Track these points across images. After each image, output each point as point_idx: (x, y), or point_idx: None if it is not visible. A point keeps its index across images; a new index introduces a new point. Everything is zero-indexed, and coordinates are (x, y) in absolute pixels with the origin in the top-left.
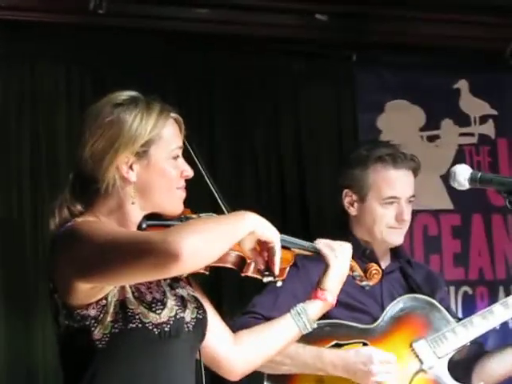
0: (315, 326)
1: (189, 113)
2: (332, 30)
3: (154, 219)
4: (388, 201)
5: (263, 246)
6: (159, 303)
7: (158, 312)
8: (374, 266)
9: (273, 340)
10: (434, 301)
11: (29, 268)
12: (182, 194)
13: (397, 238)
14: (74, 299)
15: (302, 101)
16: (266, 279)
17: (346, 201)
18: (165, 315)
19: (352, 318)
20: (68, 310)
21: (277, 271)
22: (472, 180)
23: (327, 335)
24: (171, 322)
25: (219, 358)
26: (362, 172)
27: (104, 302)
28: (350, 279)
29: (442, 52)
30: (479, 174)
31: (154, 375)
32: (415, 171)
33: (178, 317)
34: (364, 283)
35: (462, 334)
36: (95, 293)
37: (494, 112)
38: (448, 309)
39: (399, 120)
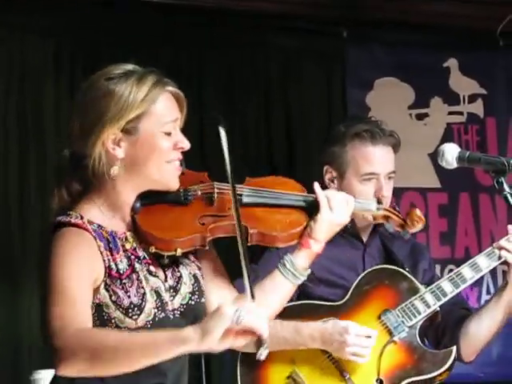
0: (307, 272)
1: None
2: (323, 6)
3: (150, 197)
4: (366, 177)
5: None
6: (136, 308)
7: (134, 318)
8: (417, 211)
9: (270, 298)
10: (402, 270)
11: (15, 241)
12: (176, 167)
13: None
14: None
15: (293, 76)
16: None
17: (327, 177)
18: (142, 320)
19: (334, 295)
20: None
21: (264, 335)
22: (460, 159)
23: (296, 317)
24: (149, 326)
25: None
26: (341, 149)
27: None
28: (330, 254)
29: (433, 30)
30: (467, 153)
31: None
32: (395, 147)
33: (156, 319)
34: (402, 232)
35: (430, 300)
36: None
37: (484, 91)
38: (432, 278)
39: (388, 97)
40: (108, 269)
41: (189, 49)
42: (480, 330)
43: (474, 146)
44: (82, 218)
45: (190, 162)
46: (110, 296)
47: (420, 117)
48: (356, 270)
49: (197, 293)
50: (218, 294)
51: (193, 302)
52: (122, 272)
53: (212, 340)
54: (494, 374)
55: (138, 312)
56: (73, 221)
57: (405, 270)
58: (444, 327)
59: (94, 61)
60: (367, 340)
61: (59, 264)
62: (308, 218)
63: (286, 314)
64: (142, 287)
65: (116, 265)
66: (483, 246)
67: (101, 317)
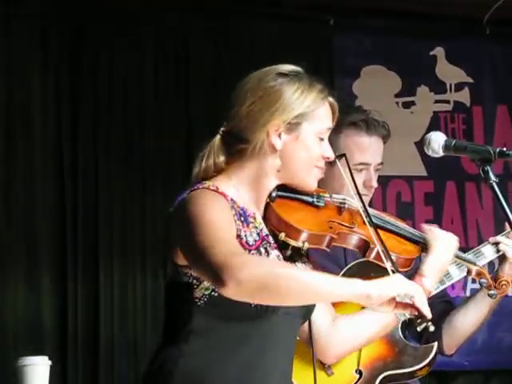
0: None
1: (166, 74)
2: None
3: (287, 191)
4: (358, 167)
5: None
6: None
7: None
8: (505, 277)
9: (370, 328)
10: None
11: (1, 228)
12: (319, 174)
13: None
14: (179, 260)
15: (279, 63)
16: (419, 327)
17: None
18: None
19: None
20: (174, 265)
21: (427, 314)
22: (446, 147)
23: None
24: None
25: (319, 336)
26: (335, 136)
27: None
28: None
29: (420, 18)
30: (453, 142)
31: (241, 354)
32: (385, 139)
33: None
34: (492, 292)
35: None
36: None
37: (470, 80)
38: (417, 270)
39: (375, 86)
40: (238, 237)
41: (174, 34)
42: (466, 323)
43: (461, 135)
44: (217, 188)
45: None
46: None
47: (407, 105)
48: (337, 260)
49: None
50: (321, 306)
51: None
52: (251, 244)
53: (378, 300)
54: (478, 361)
55: None
56: (210, 187)
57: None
58: None
59: (79, 47)
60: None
61: (207, 209)
62: (420, 252)
63: None
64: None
65: (246, 236)
66: (469, 235)
67: None
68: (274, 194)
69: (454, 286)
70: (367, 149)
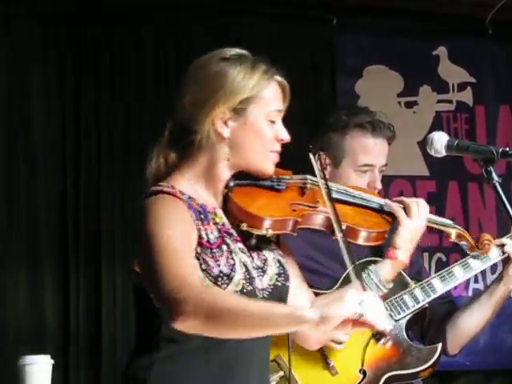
0: (390, 285)
1: (166, 72)
2: None
3: (244, 178)
4: (363, 168)
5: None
6: (225, 277)
7: (223, 286)
8: (487, 236)
9: None
10: None
11: (3, 227)
12: (275, 158)
13: None
14: (138, 269)
15: (281, 63)
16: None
17: (319, 164)
18: (230, 290)
19: (318, 283)
20: (136, 273)
21: (382, 328)
22: (449, 147)
23: None
24: (243, 284)
25: None
26: (340, 137)
27: None
28: (315, 242)
29: (422, 18)
30: (456, 142)
31: (214, 344)
32: (390, 140)
33: (244, 290)
34: (475, 253)
35: (420, 296)
36: None
37: (473, 79)
38: (419, 271)
39: (377, 85)
40: (199, 238)
41: (172, 33)
42: (470, 324)
43: (463, 135)
44: (173, 188)
45: None
46: (200, 264)
47: (409, 105)
48: (339, 260)
49: (283, 275)
50: (296, 291)
51: (279, 284)
52: (212, 242)
53: (329, 326)
54: (480, 362)
55: (227, 281)
56: (164, 189)
57: None
58: (429, 321)
59: (80, 46)
60: None
61: (161, 226)
62: (391, 224)
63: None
64: (232, 258)
65: (207, 234)
66: (471, 234)
67: None
68: (231, 184)
69: (456, 286)
70: (372, 150)
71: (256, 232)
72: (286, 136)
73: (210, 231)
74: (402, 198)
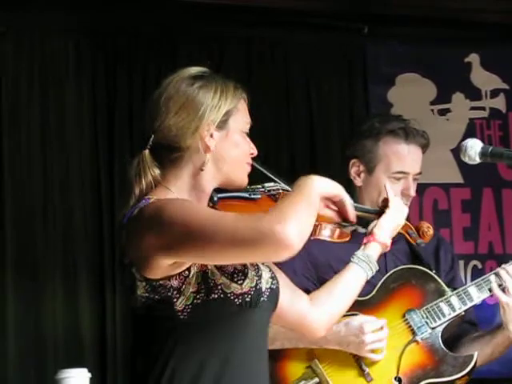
0: (377, 267)
1: None
2: (343, 2)
3: (223, 192)
4: (397, 176)
5: (330, 202)
6: (240, 274)
7: (239, 282)
8: (425, 224)
9: (346, 289)
10: (430, 272)
11: (38, 242)
12: (249, 169)
13: None
14: (153, 273)
15: (313, 73)
16: (346, 229)
17: (353, 171)
18: (246, 285)
19: None
20: (148, 282)
21: (352, 218)
22: (483, 154)
23: None
24: (252, 293)
25: (303, 318)
26: (374, 143)
27: (186, 273)
28: (348, 257)
29: (453, 25)
30: (490, 148)
31: (230, 346)
32: (424, 148)
33: (257, 287)
34: (419, 241)
35: (456, 304)
36: (174, 268)
37: (506, 86)
38: (453, 279)
39: (410, 93)
40: None
41: (207, 45)
42: (482, 355)
43: (497, 141)
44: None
45: None
46: (215, 265)
47: (442, 112)
48: (380, 269)
49: (275, 278)
50: (294, 299)
51: (274, 287)
52: None
53: (322, 191)
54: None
55: (243, 277)
56: (154, 201)
57: (432, 271)
58: (445, 339)
59: (114, 60)
60: (382, 332)
61: (188, 207)
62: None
63: None
64: None
65: None
66: (506, 241)
67: (207, 284)
68: (215, 198)
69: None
70: (405, 157)
71: None
72: (255, 150)
73: None
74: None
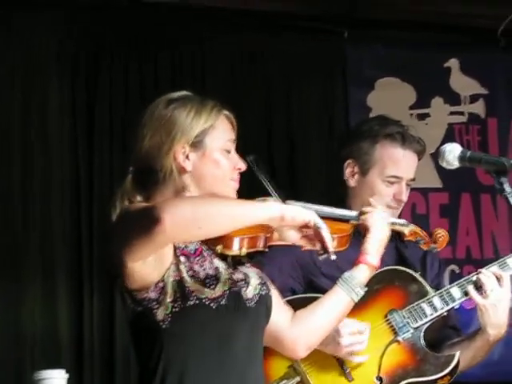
0: (365, 289)
1: (181, 84)
2: (324, 6)
3: None
4: (390, 180)
5: (309, 230)
6: (212, 278)
7: (211, 287)
8: (440, 231)
9: (329, 313)
10: (414, 273)
11: (19, 242)
12: (236, 186)
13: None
14: (132, 283)
15: (294, 77)
16: (321, 257)
17: (347, 171)
18: (219, 289)
19: (326, 285)
20: (130, 294)
21: (329, 247)
22: (461, 159)
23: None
24: (226, 295)
25: (283, 336)
26: (370, 146)
27: (162, 284)
28: (342, 254)
29: (433, 29)
30: (468, 153)
31: (214, 353)
32: (420, 155)
33: (231, 290)
34: (431, 246)
35: (438, 304)
36: (148, 272)
37: (485, 91)
38: (438, 284)
39: (389, 98)
40: (180, 249)
41: (189, 49)
42: (463, 359)
43: (476, 146)
44: None
45: None
46: (187, 271)
47: (421, 117)
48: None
49: (265, 285)
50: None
51: (263, 293)
52: (192, 251)
53: (292, 221)
54: (495, 373)
55: (215, 281)
56: None
57: (416, 272)
58: (427, 341)
59: (95, 61)
60: (361, 335)
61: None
62: (354, 228)
63: (292, 306)
64: (214, 263)
65: (186, 246)
66: (484, 246)
67: (182, 292)
68: None
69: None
70: (400, 162)
71: (231, 253)
72: (241, 165)
73: (188, 244)
74: (363, 209)
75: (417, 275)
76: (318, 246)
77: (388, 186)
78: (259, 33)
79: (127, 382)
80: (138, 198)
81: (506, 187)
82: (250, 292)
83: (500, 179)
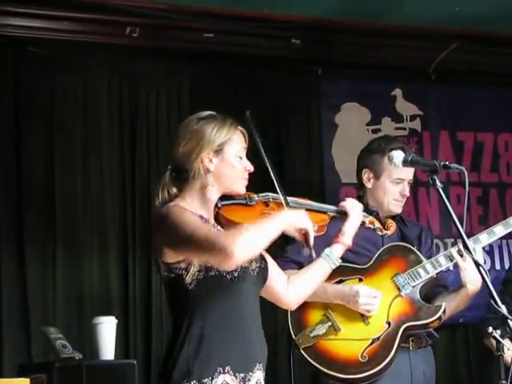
0: (340, 261)
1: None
2: (303, 51)
3: (226, 199)
4: (396, 181)
5: (303, 230)
6: None
7: None
8: (390, 220)
9: (314, 276)
10: (411, 246)
11: (80, 226)
12: (245, 182)
13: (398, 208)
14: (168, 259)
15: (280, 104)
16: (305, 252)
17: (365, 177)
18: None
19: (358, 260)
20: (166, 265)
21: (311, 246)
22: (405, 161)
23: (333, 273)
24: (238, 269)
25: (279, 294)
26: (380, 157)
27: (190, 259)
28: (362, 235)
29: (383, 67)
30: (410, 157)
31: (228, 309)
32: None
33: (242, 266)
34: (384, 232)
35: (429, 269)
36: (181, 255)
37: (421, 112)
38: (430, 256)
39: (351, 117)
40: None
41: (200, 86)
42: (449, 308)
43: (414, 153)
44: (179, 205)
45: None
46: None
47: (374, 131)
48: (377, 245)
49: (263, 259)
50: (277, 276)
51: (262, 266)
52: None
53: (297, 226)
54: (472, 317)
55: None
56: (175, 205)
57: (413, 246)
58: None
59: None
60: (374, 299)
61: (181, 216)
62: (330, 218)
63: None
64: None
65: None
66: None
67: (205, 265)
68: (219, 205)
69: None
70: (403, 168)
71: None
72: (250, 167)
73: (211, 227)
74: (348, 200)
75: (414, 248)
76: (305, 243)
77: (395, 186)
78: (255, 71)
79: (160, 330)
80: (174, 190)
81: (437, 182)
82: (253, 265)
83: (433, 176)
